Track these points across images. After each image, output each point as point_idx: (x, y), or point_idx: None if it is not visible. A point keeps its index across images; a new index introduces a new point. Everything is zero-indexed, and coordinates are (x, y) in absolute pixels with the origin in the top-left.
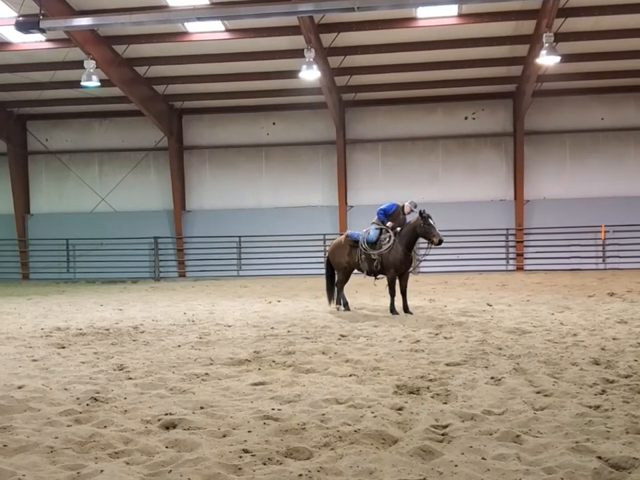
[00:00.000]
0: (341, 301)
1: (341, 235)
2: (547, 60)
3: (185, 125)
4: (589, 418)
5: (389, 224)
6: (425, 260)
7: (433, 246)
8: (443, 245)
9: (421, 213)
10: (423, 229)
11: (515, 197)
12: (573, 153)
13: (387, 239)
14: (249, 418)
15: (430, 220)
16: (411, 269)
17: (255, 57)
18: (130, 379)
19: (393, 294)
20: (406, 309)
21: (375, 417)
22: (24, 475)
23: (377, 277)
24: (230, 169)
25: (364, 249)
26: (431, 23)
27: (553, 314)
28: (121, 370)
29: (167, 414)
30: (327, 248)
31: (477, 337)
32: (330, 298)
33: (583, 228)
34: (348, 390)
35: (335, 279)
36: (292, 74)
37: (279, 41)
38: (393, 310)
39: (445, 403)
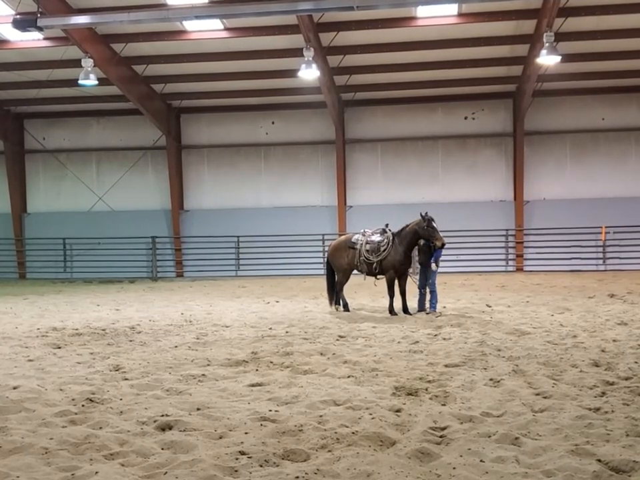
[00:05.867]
0: (340, 301)
1: (340, 235)
2: (548, 60)
3: (184, 124)
4: (588, 420)
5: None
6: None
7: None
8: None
9: (423, 216)
10: (426, 232)
11: (514, 198)
12: (574, 154)
13: (385, 242)
14: (245, 419)
15: (433, 223)
16: (410, 270)
17: (253, 56)
18: (126, 379)
19: (391, 295)
20: (405, 309)
21: (372, 418)
22: (18, 477)
23: (377, 277)
24: (228, 169)
25: (364, 254)
26: (430, 22)
27: (552, 315)
28: (117, 371)
29: (163, 415)
30: (327, 248)
31: (476, 338)
32: (331, 299)
33: (583, 229)
34: (346, 391)
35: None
36: (291, 73)
37: (278, 40)
38: (391, 311)
39: (444, 405)
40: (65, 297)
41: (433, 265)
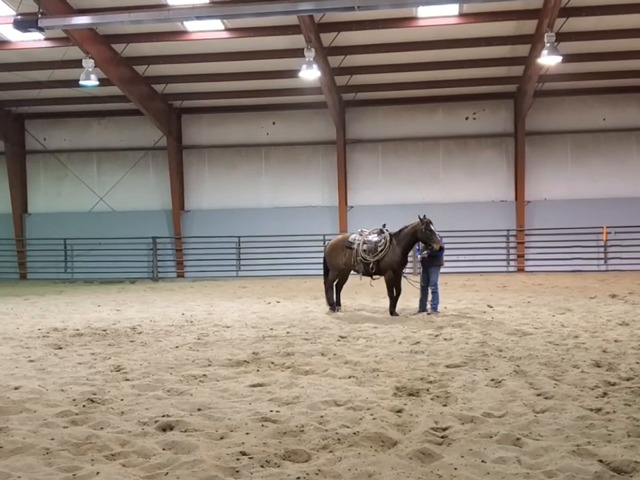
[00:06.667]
0: (327, 299)
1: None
2: (549, 60)
3: (184, 125)
4: (590, 421)
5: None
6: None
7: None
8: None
9: (421, 219)
10: (424, 234)
11: (515, 198)
12: (574, 154)
13: (382, 243)
14: (246, 420)
15: (431, 225)
16: (412, 270)
17: (254, 56)
18: (127, 380)
19: (391, 295)
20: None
21: (374, 419)
22: (19, 477)
23: (374, 277)
24: (229, 169)
25: (361, 254)
26: (431, 22)
27: (553, 316)
28: (118, 371)
29: (164, 416)
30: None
31: (477, 339)
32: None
33: (584, 229)
34: (347, 392)
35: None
36: (292, 73)
37: (279, 40)
38: (392, 311)
39: (445, 405)
40: (65, 298)
41: (419, 256)
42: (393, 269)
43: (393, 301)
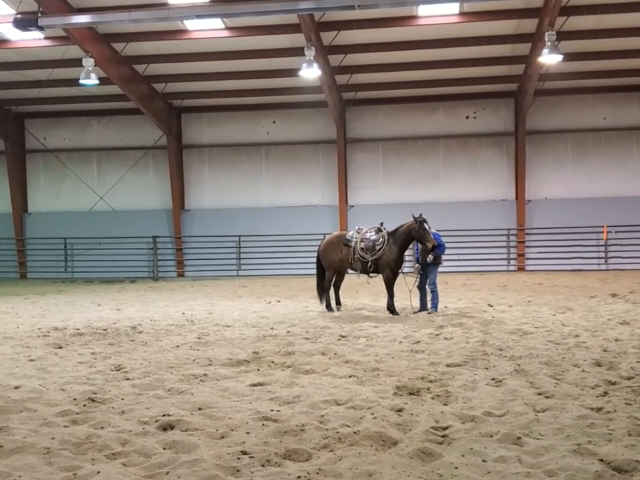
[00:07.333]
0: (324, 301)
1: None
2: (549, 59)
3: (184, 124)
4: (590, 420)
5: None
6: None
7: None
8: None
9: (415, 217)
10: (418, 233)
11: (516, 197)
12: (575, 153)
13: (380, 241)
14: (247, 419)
15: (425, 224)
16: (412, 270)
17: (254, 55)
18: (127, 379)
19: (390, 293)
20: (390, 306)
21: (374, 418)
22: (20, 476)
23: (371, 275)
24: (229, 168)
25: (358, 252)
26: (432, 21)
27: (554, 315)
28: (118, 370)
29: (164, 415)
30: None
31: (478, 338)
32: (321, 297)
33: (585, 228)
34: (347, 391)
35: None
36: (292, 72)
37: (279, 39)
38: (393, 310)
39: (445, 405)
40: (65, 297)
41: (417, 266)
42: (391, 267)
43: (390, 298)
